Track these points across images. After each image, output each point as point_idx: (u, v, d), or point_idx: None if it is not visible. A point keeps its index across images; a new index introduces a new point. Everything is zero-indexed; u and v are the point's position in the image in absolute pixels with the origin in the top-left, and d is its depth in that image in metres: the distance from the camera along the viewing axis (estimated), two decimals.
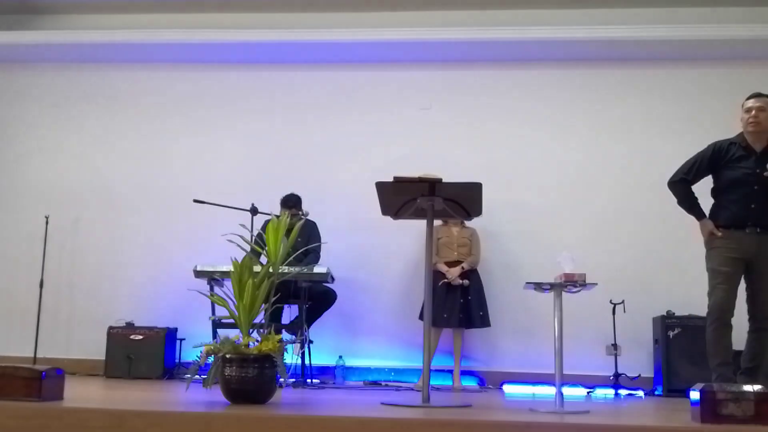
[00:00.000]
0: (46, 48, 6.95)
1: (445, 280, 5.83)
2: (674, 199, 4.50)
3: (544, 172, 6.59)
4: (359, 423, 2.51)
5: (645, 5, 6.54)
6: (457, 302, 5.82)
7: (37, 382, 2.83)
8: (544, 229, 6.43)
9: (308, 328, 5.68)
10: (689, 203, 4.43)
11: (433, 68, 6.86)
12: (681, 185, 4.44)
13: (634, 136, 6.57)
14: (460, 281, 5.86)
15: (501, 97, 6.77)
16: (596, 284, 3.63)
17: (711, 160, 4.37)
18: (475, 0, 6.62)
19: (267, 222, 3.81)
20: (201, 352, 3.31)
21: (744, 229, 4.21)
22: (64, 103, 7.14)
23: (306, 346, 5.62)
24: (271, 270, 3.46)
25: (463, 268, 5.90)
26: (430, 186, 3.61)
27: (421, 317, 6.03)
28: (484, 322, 5.95)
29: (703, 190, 4.46)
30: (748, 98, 4.35)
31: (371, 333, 6.42)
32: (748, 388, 2.62)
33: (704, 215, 4.38)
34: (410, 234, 6.28)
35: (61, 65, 7.15)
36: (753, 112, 4.27)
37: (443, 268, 5.87)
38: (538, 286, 3.64)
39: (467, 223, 6.07)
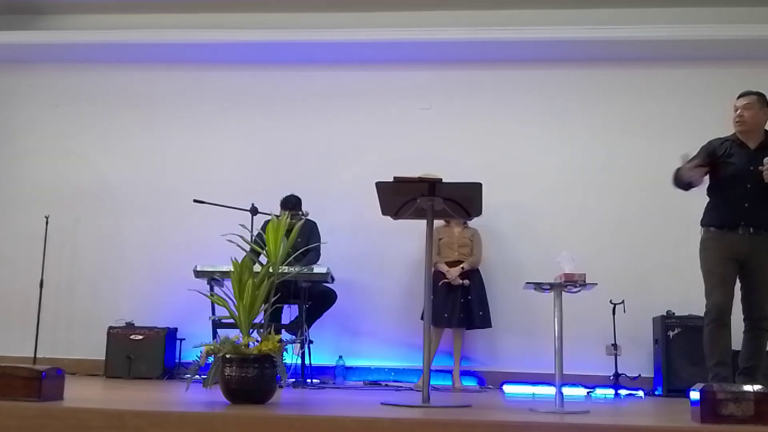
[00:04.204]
0: (46, 48, 6.95)
1: (446, 280, 5.83)
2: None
3: (544, 172, 6.59)
4: (359, 423, 2.51)
5: (645, 5, 6.53)
6: (457, 302, 5.82)
7: (37, 382, 2.83)
8: (544, 229, 6.43)
9: (308, 328, 5.68)
10: (674, 173, 4.29)
11: (433, 68, 6.85)
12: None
13: (634, 136, 6.57)
14: (461, 281, 5.86)
15: (501, 97, 6.77)
16: (596, 284, 3.63)
17: (710, 152, 4.32)
18: (475, 0, 6.62)
19: (267, 222, 3.81)
20: (201, 352, 3.31)
21: (737, 230, 4.18)
22: (64, 103, 7.13)
23: (306, 346, 5.62)
24: (271, 270, 3.46)
25: (463, 268, 5.90)
26: (430, 186, 3.61)
27: (422, 317, 6.02)
28: (485, 322, 5.95)
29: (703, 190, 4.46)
30: (738, 97, 4.32)
31: (371, 333, 6.42)
32: (748, 388, 2.62)
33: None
34: (411, 234, 6.27)
35: (61, 65, 7.15)
36: (738, 111, 4.26)
37: (444, 268, 5.87)
38: (538, 286, 3.64)
39: (470, 224, 6.08)
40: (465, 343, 6.09)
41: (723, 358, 4.11)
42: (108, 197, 6.91)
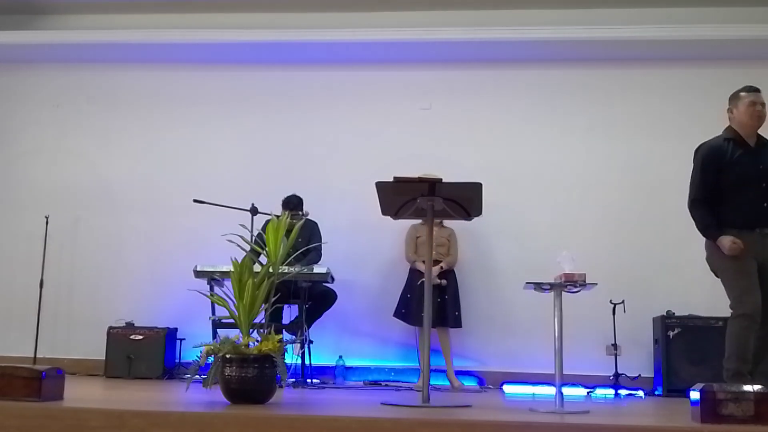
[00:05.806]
0: (46, 48, 6.95)
1: (424, 279, 5.81)
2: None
3: (544, 172, 6.59)
4: (359, 423, 2.51)
5: (644, 5, 6.54)
6: (434, 301, 5.81)
7: (37, 382, 2.83)
8: (544, 229, 6.43)
9: (308, 328, 5.68)
10: (704, 225, 4.16)
11: (433, 68, 6.86)
12: (700, 207, 4.19)
13: (634, 136, 6.57)
14: (439, 281, 5.85)
15: (501, 97, 6.77)
16: (596, 284, 3.63)
17: (715, 163, 4.18)
18: (475, 0, 6.62)
19: (267, 222, 3.81)
20: (201, 352, 3.31)
21: (753, 231, 4.09)
22: (64, 103, 7.14)
23: (306, 346, 5.62)
24: (271, 270, 3.46)
25: (441, 267, 5.90)
26: (430, 186, 3.61)
27: (395, 314, 6.03)
28: (458, 322, 5.96)
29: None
30: (750, 91, 4.22)
31: (371, 333, 6.42)
32: (748, 388, 2.62)
33: (720, 234, 4.11)
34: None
35: (61, 65, 7.15)
36: (758, 107, 4.18)
37: (422, 266, 5.86)
38: (538, 286, 3.64)
39: (446, 224, 6.09)
40: (464, 343, 6.09)
41: (749, 356, 3.99)
42: (108, 197, 6.91)
